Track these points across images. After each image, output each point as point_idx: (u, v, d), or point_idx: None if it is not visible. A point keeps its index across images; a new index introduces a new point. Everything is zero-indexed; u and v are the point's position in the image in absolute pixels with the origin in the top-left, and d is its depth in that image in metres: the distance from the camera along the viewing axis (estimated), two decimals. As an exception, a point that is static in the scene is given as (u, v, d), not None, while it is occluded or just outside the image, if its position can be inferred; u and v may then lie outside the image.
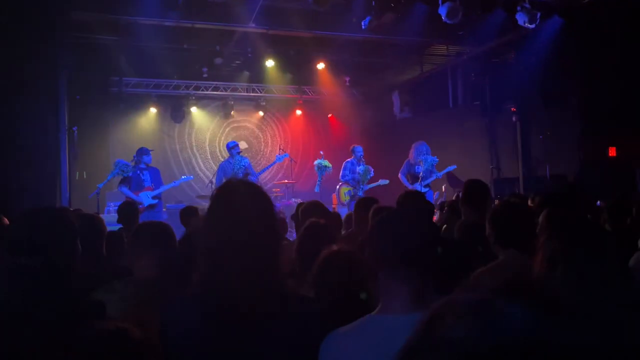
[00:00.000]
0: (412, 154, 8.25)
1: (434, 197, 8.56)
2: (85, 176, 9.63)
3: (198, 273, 1.49)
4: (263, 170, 10.55)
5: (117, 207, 5.17)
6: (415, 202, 3.73)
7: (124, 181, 7.28)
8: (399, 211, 1.67)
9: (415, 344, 0.47)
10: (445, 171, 8.31)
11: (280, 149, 12.38)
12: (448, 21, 7.28)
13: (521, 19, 7.33)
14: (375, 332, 1.38)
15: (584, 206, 3.78)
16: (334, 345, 1.43)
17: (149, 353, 1.24)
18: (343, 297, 1.87)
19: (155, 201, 7.35)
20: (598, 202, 4.84)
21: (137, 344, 1.21)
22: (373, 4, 7.88)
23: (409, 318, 1.35)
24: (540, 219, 2.19)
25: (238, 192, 1.57)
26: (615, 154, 8.24)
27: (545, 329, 0.41)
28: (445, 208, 4.88)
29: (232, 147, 8.30)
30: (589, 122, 8.25)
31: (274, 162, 9.57)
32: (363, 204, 3.79)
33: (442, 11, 7.23)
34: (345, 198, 8.50)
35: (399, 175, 8.32)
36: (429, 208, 4.20)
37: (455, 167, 8.40)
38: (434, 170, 8.13)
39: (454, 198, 6.84)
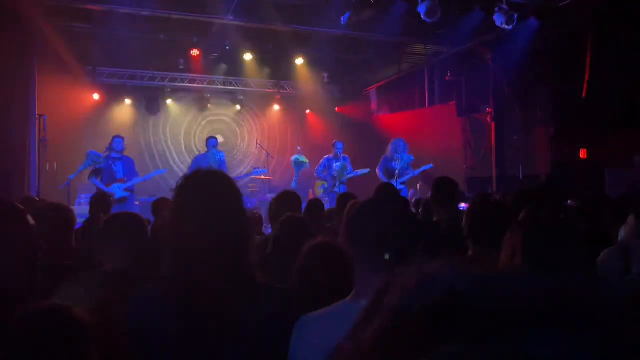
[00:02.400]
0: (389, 150, 8.29)
1: (409, 195, 8.62)
2: (55, 167, 9.39)
3: (165, 263, 1.45)
4: (236, 178, 10.33)
5: (88, 199, 5.07)
6: (391, 194, 3.84)
7: (96, 172, 7.13)
8: (375, 199, 1.66)
9: (366, 313, 0.54)
10: (421, 170, 8.35)
11: (257, 143, 12.29)
12: (427, 19, 7.32)
13: (499, 19, 7.41)
14: (349, 318, 1.37)
15: (555, 205, 3.84)
16: (306, 329, 1.41)
17: (94, 338, 1.21)
18: (327, 288, 1.86)
19: (127, 194, 7.21)
20: (569, 202, 4.94)
21: (79, 326, 1.18)
22: (353, 0, 7.87)
23: None
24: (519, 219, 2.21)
25: (206, 180, 1.53)
26: (585, 156, 8.44)
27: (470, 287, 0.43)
28: (421, 207, 4.91)
29: (209, 142, 8.29)
30: (561, 125, 8.43)
31: (250, 174, 9.50)
32: (343, 199, 3.97)
33: (421, 9, 7.26)
34: (320, 192, 8.61)
35: (377, 170, 8.35)
36: (405, 199, 4.30)
37: (432, 166, 8.43)
38: (409, 169, 8.18)
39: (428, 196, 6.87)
